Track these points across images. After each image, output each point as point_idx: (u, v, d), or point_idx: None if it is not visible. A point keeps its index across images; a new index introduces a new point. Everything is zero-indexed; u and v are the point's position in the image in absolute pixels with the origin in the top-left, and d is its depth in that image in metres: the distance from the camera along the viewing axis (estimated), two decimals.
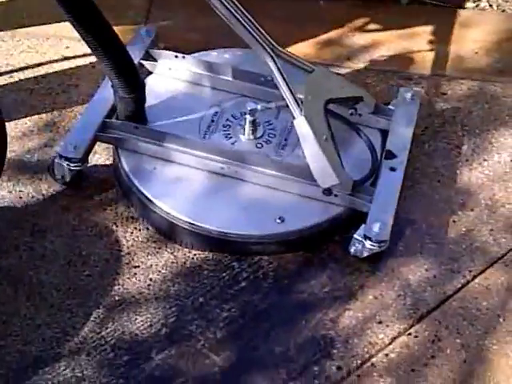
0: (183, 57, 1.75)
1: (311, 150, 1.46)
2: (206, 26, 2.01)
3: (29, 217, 1.56)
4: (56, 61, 1.88)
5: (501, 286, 1.51)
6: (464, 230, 1.61)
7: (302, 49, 2.00)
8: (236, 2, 1.42)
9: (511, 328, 1.44)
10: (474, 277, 1.53)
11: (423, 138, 1.79)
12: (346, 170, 1.51)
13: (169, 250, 1.54)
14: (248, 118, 1.60)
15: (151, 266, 1.51)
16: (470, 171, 1.72)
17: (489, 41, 2.08)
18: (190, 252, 1.53)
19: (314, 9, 2.13)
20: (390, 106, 1.72)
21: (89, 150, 1.60)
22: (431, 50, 2.04)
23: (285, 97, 1.46)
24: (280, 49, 1.49)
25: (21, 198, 1.59)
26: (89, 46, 1.44)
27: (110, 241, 1.54)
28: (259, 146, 1.62)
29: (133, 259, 1.52)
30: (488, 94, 1.92)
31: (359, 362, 1.39)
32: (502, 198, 1.67)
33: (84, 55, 1.90)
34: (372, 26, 2.10)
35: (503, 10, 2.21)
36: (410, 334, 1.43)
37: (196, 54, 1.81)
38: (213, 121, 1.66)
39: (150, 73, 1.75)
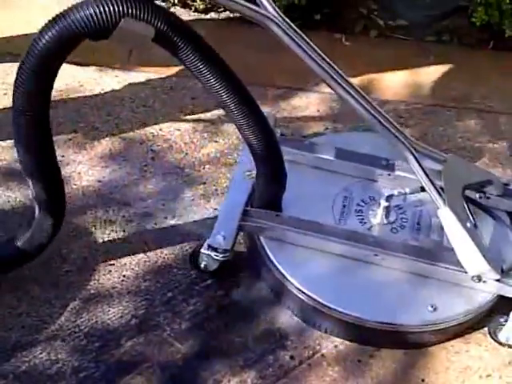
0: (306, 142, 1.78)
1: (458, 238, 1.46)
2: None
3: (15, 218, 1.71)
4: None
5: None
6: None
7: (273, 76, 2.17)
8: (375, 105, 1.45)
9: None
10: None
11: None
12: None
13: (142, 250, 1.68)
14: (383, 203, 1.62)
15: (125, 264, 1.65)
16: None
17: (447, 70, 2.26)
18: (161, 253, 1.68)
19: None
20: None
21: (235, 240, 1.57)
22: (394, 78, 2.21)
23: (427, 189, 1.47)
24: (414, 140, 1.51)
25: (9, 201, 1.74)
26: (245, 138, 1.44)
27: (89, 241, 1.68)
28: (394, 231, 1.63)
29: (108, 258, 1.66)
30: (443, 118, 2.09)
31: (311, 352, 1.52)
32: None
33: (73, 76, 2.08)
34: (339, 55, 2.27)
35: (463, 43, 2.39)
36: None
37: (316, 139, 1.85)
38: (344, 206, 1.67)
39: None
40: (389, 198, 1.61)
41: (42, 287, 1.59)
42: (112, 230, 1.71)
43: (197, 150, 1.92)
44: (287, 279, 1.53)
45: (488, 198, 1.68)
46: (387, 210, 1.63)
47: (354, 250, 1.55)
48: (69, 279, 1.61)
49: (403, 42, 2.37)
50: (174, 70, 2.13)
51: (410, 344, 1.53)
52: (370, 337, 1.52)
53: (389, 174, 1.71)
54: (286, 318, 1.57)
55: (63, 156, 1.86)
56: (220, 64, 1.33)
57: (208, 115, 2.02)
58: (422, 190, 1.52)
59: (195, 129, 1.98)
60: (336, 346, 1.53)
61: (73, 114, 1.97)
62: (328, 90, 2.10)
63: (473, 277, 1.51)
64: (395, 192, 1.60)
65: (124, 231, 1.71)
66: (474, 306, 1.52)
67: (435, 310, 1.49)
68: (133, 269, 1.64)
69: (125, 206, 1.76)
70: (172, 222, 1.74)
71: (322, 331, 1.54)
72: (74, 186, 1.80)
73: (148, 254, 1.67)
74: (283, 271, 1.54)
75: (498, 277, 1.50)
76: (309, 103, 2.10)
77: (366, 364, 1.51)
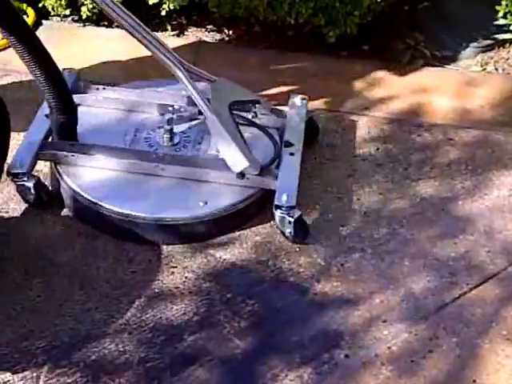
0: (104, 88, 2.06)
1: (222, 141, 1.77)
2: (239, 77, 2.34)
3: (84, 224, 1.83)
4: None
5: (494, 297, 1.70)
6: (463, 250, 1.82)
7: (325, 99, 2.28)
8: (150, 32, 1.74)
9: (502, 331, 1.63)
10: (471, 289, 1.72)
11: (430, 174, 2.03)
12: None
13: (203, 255, 1.77)
14: (166, 127, 1.89)
15: (187, 266, 1.74)
16: (472, 203, 1.95)
17: (493, 98, 2.33)
18: (220, 258, 1.77)
19: (335, 65, 2.43)
20: (284, 109, 2.04)
21: (31, 166, 1.82)
22: (442, 103, 2.30)
23: (195, 101, 1.76)
24: (187, 64, 1.80)
25: None
26: (31, 72, 1.69)
27: (153, 245, 1.79)
28: (178, 150, 1.91)
29: (171, 261, 1.76)
30: (491, 141, 2.16)
31: (365, 352, 1.58)
32: (500, 225, 1.88)
33: None
34: (388, 83, 2.38)
35: (508, 73, 2.48)
36: (411, 332, 1.62)
37: (116, 87, 2.11)
38: (135, 135, 1.94)
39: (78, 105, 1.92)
40: (169, 120, 1.89)
41: (110, 285, 1.69)
42: None
43: None
44: (81, 195, 1.78)
45: (259, 117, 1.99)
46: (171, 133, 1.90)
47: (139, 165, 1.82)
48: (135, 279, 1.71)
49: (449, 71, 2.47)
50: None
51: (189, 236, 1.79)
52: (156, 234, 1.78)
53: (180, 108, 1.97)
54: (341, 320, 1.64)
55: None
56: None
57: None
58: (200, 113, 1.81)
59: None
60: (389, 348, 1.59)
61: None
62: (378, 113, 2.26)
63: (237, 174, 1.78)
64: (175, 116, 1.91)
65: None
66: (239, 199, 1.80)
67: (206, 204, 1.77)
68: (194, 271, 1.73)
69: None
70: None
71: (118, 238, 1.78)
72: None
73: (208, 258, 1.76)
74: (76, 189, 1.80)
75: (257, 172, 1.79)
76: (359, 126, 2.19)
77: (418, 364, 1.56)
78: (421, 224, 1.88)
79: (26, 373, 1.51)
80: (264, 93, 2.26)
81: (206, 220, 1.78)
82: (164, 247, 1.78)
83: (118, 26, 2.57)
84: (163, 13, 2.45)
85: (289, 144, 1.91)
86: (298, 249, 1.79)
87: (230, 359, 1.56)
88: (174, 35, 2.57)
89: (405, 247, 1.81)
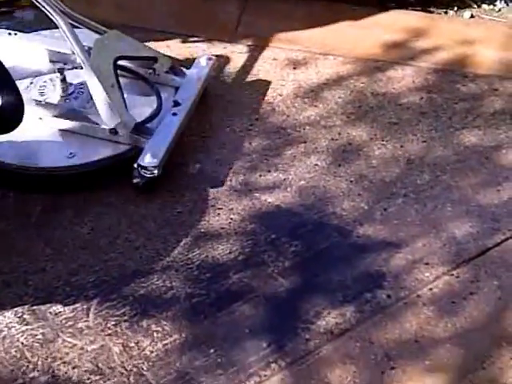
0: (15, 34, 2.08)
1: (98, 95, 1.77)
2: (286, 29, 2.34)
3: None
4: None
5: None
6: (506, 197, 1.82)
7: (371, 49, 2.28)
8: None
9: None
10: None
11: (474, 123, 2.02)
12: (135, 116, 1.83)
13: (248, 198, 1.81)
14: (58, 76, 1.91)
15: (232, 208, 1.78)
16: None
17: None
18: (265, 200, 1.80)
19: (383, 16, 2.41)
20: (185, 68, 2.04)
21: None
22: (487, 54, 2.27)
23: (74, 50, 1.77)
24: (72, 12, 1.81)
25: None
26: None
27: (199, 189, 1.83)
28: (68, 100, 1.92)
29: (217, 203, 1.79)
30: None
31: (407, 292, 1.61)
32: None
33: (179, 48, 2.26)
34: (434, 34, 2.36)
35: None
36: (452, 274, 1.64)
37: (26, 34, 2.12)
38: (31, 83, 1.96)
39: None
40: (60, 70, 1.91)
41: (157, 224, 1.74)
42: (220, 181, 1.85)
43: (298, 113, 2.05)
44: None
45: (158, 74, 2.00)
46: (64, 83, 1.92)
47: None
48: (181, 219, 1.75)
49: (495, 23, 2.43)
50: (275, 42, 2.27)
51: (57, 184, 1.81)
52: (29, 182, 1.80)
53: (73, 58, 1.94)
54: (383, 262, 1.66)
55: None
56: None
57: (308, 83, 2.14)
58: None
59: (296, 95, 2.11)
60: (431, 289, 1.61)
61: None
62: (424, 63, 2.25)
63: (110, 130, 1.80)
64: (66, 65, 1.93)
65: (231, 181, 1.85)
66: (109, 154, 1.82)
67: (73, 156, 1.79)
68: (239, 213, 1.77)
69: (231, 160, 1.90)
70: (274, 174, 1.86)
71: None
72: (186, 139, 1.95)
73: (253, 200, 1.80)
74: None
75: (129, 130, 1.81)
76: (404, 75, 2.18)
77: (459, 305, 1.58)
78: (464, 171, 1.88)
79: (77, 305, 1.57)
80: (312, 45, 2.27)
81: (69, 172, 1.79)
82: (210, 190, 1.82)
83: None
84: None
85: (176, 104, 1.92)
86: (341, 193, 1.82)
87: (274, 297, 1.60)
88: None
89: (448, 193, 1.82)
